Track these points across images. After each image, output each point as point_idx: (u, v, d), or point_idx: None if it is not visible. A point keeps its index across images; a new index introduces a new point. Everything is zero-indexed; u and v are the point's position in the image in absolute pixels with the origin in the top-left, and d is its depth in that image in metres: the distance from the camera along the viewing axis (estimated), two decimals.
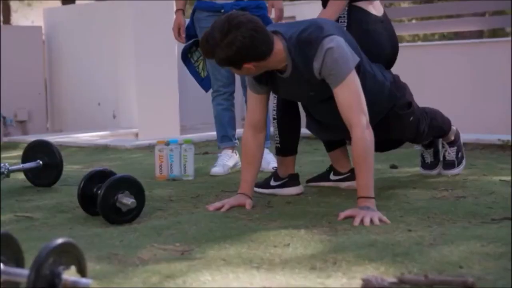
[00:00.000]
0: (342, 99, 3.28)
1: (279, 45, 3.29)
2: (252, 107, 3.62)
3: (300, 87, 3.43)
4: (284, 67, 3.36)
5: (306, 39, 3.30)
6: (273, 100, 3.85)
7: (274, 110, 3.86)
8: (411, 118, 3.76)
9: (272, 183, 3.89)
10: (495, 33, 14.65)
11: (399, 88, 3.73)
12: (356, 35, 3.69)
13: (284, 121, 3.84)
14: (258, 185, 3.89)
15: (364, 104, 3.29)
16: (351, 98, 3.27)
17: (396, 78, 3.76)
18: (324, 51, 3.24)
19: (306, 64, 3.30)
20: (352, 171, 3.97)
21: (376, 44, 3.81)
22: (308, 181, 4.08)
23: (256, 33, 3.18)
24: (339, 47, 3.26)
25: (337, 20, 3.83)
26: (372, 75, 3.53)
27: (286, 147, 3.87)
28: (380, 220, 3.09)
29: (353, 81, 3.29)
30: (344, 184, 3.98)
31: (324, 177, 4.07)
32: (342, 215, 3.18)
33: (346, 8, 3.84)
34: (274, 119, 3.86)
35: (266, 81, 3.50)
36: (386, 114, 3.67)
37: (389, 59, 3.89)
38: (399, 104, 3.70)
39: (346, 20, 3.83)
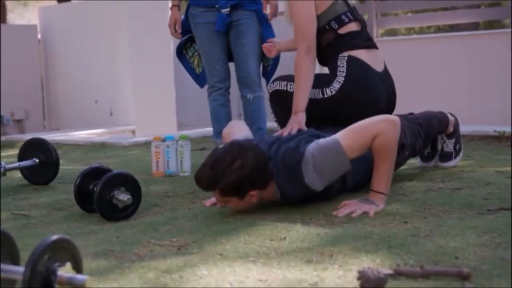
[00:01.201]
0: (359, 150, 3.20)
1: (271, 185, 3.23)
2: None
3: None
4: (275, 196, 3.30)
5: (289, 165, 3.21)
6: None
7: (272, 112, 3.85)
8: (406, 153, 3.75)
9: None
10: (490, 25, 14.64)
11: None
12: (353, 92, 3.69)
13: (284, 122, 3.85)
14: None
15: (361, 125, 3.23)
16: (359, 140, 3.19)
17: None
18: (311, 165, 3.16)
19: (297, 187, 3.22)
20: None
21: (373, 100, 3.77)
22: None
23: (263, 156, 3.16)
24: (316, 147, 3.19)
25: (334, 71, 3.78)
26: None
27: None
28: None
29: (344, 136, 3.20)
30: None
31: None
32: (341, 208, 3.19)
33: (345, 58, 3.77)
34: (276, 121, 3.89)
35: None
36: None
37: (385, 110, 3.85)
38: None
39: (345, 72, 3.75)
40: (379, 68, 3.85)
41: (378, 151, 3.21)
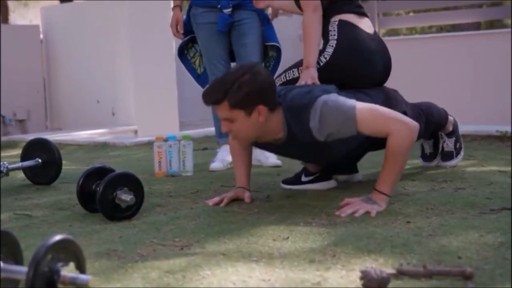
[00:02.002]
0: (369, 130, 3.22)
1: (278, 113, 3.25)
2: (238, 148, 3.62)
3: (295, 149, 3.40)
4: (278, 139, 3.32)
5: (300, 104, 3.23)
6: None
7: None
8: None
9: (303, 178, 3.82)
10: (492, 24, 14.62)
11: (391, 104, 3.61)
12: (347, 54, 3.66)
13: None
14: (288, 182, 3.86)
15: (385, 111, 3.23)
16: (374, 122, 3.20)
17: (386, 94, 3.71)
18: (319, 112, 3.17)
19: (302, 128, 3.23)
20: (322, 171, 3.89)
21: (368, 64, 3.73)
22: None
23: (272, 79, 3.20)
24: (331, 100, 3.20)
25: (326, 36, 3.75)
26: None
27: None
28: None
29: (363, 109, 3.20)
30: (342, 178, 3.96)
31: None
32: (342, 206, 3.19)
33: (336, 22, 3.74)
34: None
35: (257, 145, 3.53)
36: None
37: (381, 79, 3.83)
38: None
39: (336, 35, 3.70)
40: (369, 31, 3.82)
41: (389, 152, 3.19)
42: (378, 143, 3.40)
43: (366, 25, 3.81)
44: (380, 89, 3.75)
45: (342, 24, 3.73)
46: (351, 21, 3.75)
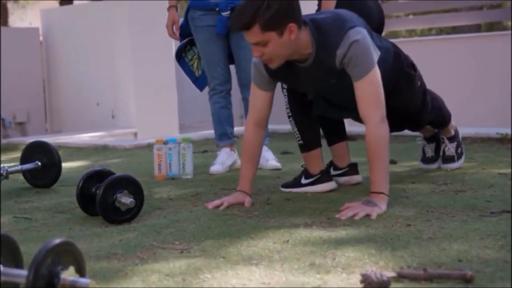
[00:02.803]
0: (361, 93, 3.29)
1: (304, 29, 3.28)
2: (257, 104, 3.58)
3: (321, 76, 3.41)
4: (308, 55, 3.33)
5: (332, 27, 3.29)
6: (283, 98, 3.83)
7: (287, 107, 3.82)
8: (419, 83, 3.77)
9: (303, 181, 3.82)
10: (491, 26, 14.62)
11: (400, 51, 3.73)
12: (345, 5, 3.72)
13: (300, 115, 3.79)
14: (287, 185, 3.86)
15: (382, 98, 3.30)
16: (370, 94, 3.28)
17: (393, 44, 3.76)
18: (350, 42, 3.23)
19: (329, 51, 3.28)
20: (350, 166, 3.97)
21: (366, 10, 3.84)
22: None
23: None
24: (365, 41, 3.26)
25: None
26: (379, 47, 3.49)
27: (309, 141, 3.81)
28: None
29: (375, 76, 3.29)
30: (341, 179, 3.97)
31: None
32: (343, 210, 3.19)
33: None
34: (289, 116, 3.81)
35: (280, 76, 3.49)
36: (397, 75, 3.63)
37: (378, 24, 3.95)
38: (406, 63, 3.70)
39: None
40: None
41: (370, 149, 3.25)
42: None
43: None
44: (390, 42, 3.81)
45: None
46: None
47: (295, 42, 3.22)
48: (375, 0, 4.04)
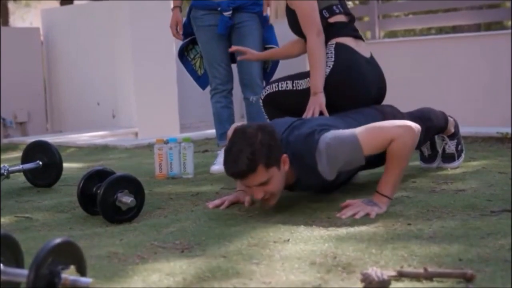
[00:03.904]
0: (375, 149, 3.24)
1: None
2: None
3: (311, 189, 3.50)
4: (291, 183, 3.35)
5: (302, 149, 3.24)
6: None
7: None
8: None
9: None
10: (490, 26, 14.60)
11: (395, 116, 3.69)
12: (343, 76, 3.74)
13: None
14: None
15: (382, 125, 3.26)
16: (376, 140, 3.22)
17: (382, 112, 3.72)
18: (325, 155, 3.18)
19: (312, 173, 3.25)
20: None
21: (362, 87, 3.80)
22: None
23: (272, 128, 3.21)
24: (333, 137, 3.21)
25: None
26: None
27: None
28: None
29: (363, 133, 3.22)
30: None
31: None
32: (343, 208, 3.20)
33: (333, 45, 3.80)
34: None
35: None
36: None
37: (376, 100, 3.90)
38: None
39: (333, 57, 3.77)
40: (366, 54, 3.89)
41: (391, 154, 3.21)
42: (372, 161, 3.47)
43: (362, 48, 3.89)
44: (376, 108, 3.79)
45: (339, 47, 3.81)
46: (348, 44, 3.83)
47: (288, 167, 3.21)
48: (380, 73, 3.95)
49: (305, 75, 3.90)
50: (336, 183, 3.47)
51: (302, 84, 3.86)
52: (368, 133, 3.23)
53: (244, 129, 3.15)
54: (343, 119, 3.50)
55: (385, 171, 3.26)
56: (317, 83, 3.73)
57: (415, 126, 3.25)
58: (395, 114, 3.75)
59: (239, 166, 3.05)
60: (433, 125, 4.04)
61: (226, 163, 3.11)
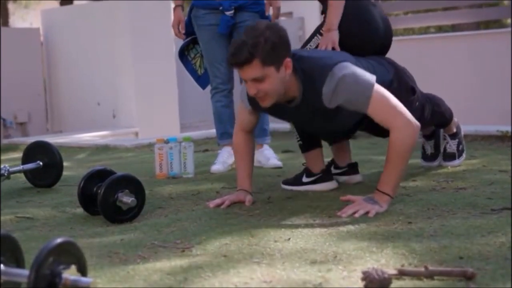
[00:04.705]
0: (378, 116, 3.23)
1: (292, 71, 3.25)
2: (245, 120, 3.58)
3: (308, 115, 3.39)
4: (296, 93, 3.30)
5: (314, 66, 3.25)
6: None
7: None
8: (416, 103, 3.75)
9: (305, 179, 3.83)
10: (488, 24, 14.60)
11: (400, 76, 3.71)
12: (349, 21, 3.72)
13: None
14: (288, 183, 3.87)
15: (395, 103, 3.23)
16: (384, 109, 3.22)
17: (395, 66, 3.76)
18: (336, 80, 3.18)
19: (315, 91, 3.23)
20: (350, 166, 3.98)
21: (371, 30, 3.80)
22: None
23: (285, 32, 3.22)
24: (352, 73, 3.21)
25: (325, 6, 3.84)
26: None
27: (308, 142, 3.83)
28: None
29: (379, 93, 3.22)
30: (341, 179, 3.97)
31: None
32: (345, 202, 3.20)
33: None
34: None
35: (268, 111, 3.50)
36: None
37: (384, 44, 3.90)
38: (404, 90, 3.66)
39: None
40: None
41: (393, 152, 3.19)
42: (373, 126, 3.44)
43: None
44: (392, 62, 3.80)
45: None
46: None
47: (287, 79, 3.20)
48: (385, 17, 3.96)
49: (310, 38, 3.91)
50: (337, 124, 3.44)
51: (313, 42, 3.87)
52: (383, 97, 3.22)
53: (254, 25, 3.20)
54: (361, 61, 3.49)
55: (385, 169, 3.25)
56: (332, 20, 3.72)
57: (418, 125, 3.23)
58: (407, 74, 3.77)
59: (237, 56, 3.12)
60: (439, 111, 4.02)
61: (229, 52, 3.19)
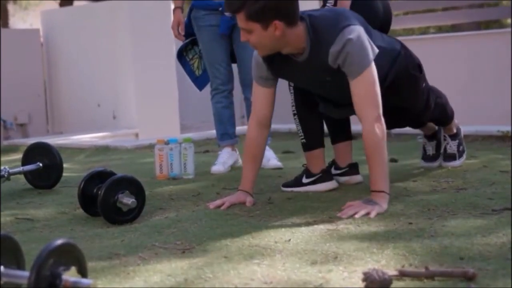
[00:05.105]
0: (357, 91, 3.29)
1: (300, 24, 3.28)
2: (259, 102, 3.58)
3: (315, 72, 3.41)
4: (302, 50, 3.34)
5: (327, 25, 3.29)
6: (290, 96, 3.84)
7: (292, 105, 3.83)
8: (423, 84, 3.77)
9: (304, 180, 3.83)
10: (488, 24, 14.59)
11: (407, 51, 3.74)
12: (350, 7, 3.75)
13: (305, 114, 3.81)
14: (289, 185, 3.86)
15: (378, 97, 3.29)
16: (366, 92, 3.27)
17: (401, 43, 3.77)
18: (344, 41, 3.23)
19: (323, 49, 3.28)
20: (350, 166, 3.98)
21: (369, 8, 3.84)
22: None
23: None
24: (360, 39, 3.25)
25: None
26: (383, 48, 3.50)
27: (312, 141, 3.83)
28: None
29: (371, 74, 3.28)
30: (342, 179, 3.97)
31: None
32: (344, 209, 3.19)
33: None
34: (294, 114, 3.83)
35: (278, 69, 3.48)
36: (399, 75, 3.62)
37: (384, 23, 3.93)
38: (411, 64, 3.70)
39: None
40: None
41: (369, 148, 3.25)
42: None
43: None
44: (397, 40, 3.81)
45: None
46: None
47: (282, 38, 3.24)
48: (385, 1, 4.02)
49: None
50: (330, 93, 3.54)
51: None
52: (370, 81, 3.27)
53: None
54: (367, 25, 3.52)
55: (370, 168, 3.28)
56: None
57: (384, 127, 3.29)
58: (412, 54, 3.79)
59: (228, 4, 3.27)
60: (442, 102, 4.03)
61: None
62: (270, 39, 3.24)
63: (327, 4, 3.98)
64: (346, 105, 3.60)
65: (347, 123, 4.01)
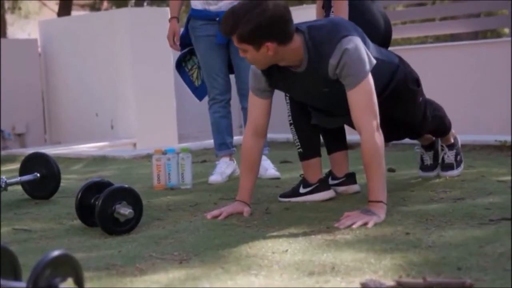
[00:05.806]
0: (355, 102, 3.30)
1: (298, 38, 3.30)
2: (255, 112, 3.59)
3: (313, 83, 3.42)
4: (299, 62, 3.36)
5: (325, 36, 3.31)
6: (286, 106, 3.85)
7: (289, 115, 3.84)
8: (421, 98, 3.79)
9: (302, 190, 3.82)
10: (485, 34, 14.62)
11: (405, 64, 3.76)
12: (350, 15, 3.75)
13: (301, 124, 3.81)
14: (286, 195, 3.86)
15: (375, 107, 3.30)
16: (363, 102, 3.28)
17: (399, 56, 3.79)
18: (342, 51, 3.25)
19: (322, 60, 3.30)
20: (347, 176, 3.97)
21: (371, 25, 3.86)
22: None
23: (286, 11, 3.24)
24: (357, 49, 3.27)
25: (329, 2, 3.90)
26: (381, 61, 3.52)
27: (309, 150, 3.82)
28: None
29: (368, 85, 3.29)
30: (339, 189, 3.96)
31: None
32: (342, 219, 3.19)
33: None
34: (290, 124, 3.83)
35: (276, 81, 3.49)
36: (398, 88, 3.64)
37: (384, 38, 3.96)
38: (410, 78, 3.72)
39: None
40: None
41: (367, 158, 3.26)
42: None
43: None
44: (395, 54, 3.83)
45: None
46: None
47: (275, 55, 3.27)
48: (384, 13, 4.05)
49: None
50: (327, 103, 3.56)
51: None
52: (368, 92, 3.28)
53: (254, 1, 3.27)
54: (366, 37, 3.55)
55: (367, 178, 3.29)
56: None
57: (382, 138, 3.30)
58: (411, 67, 3.81)
59: (223, 25, 3.29)
60: (439, 115, 4.05)
61: (229, 12, 3.30)
62: (264, 58, 3.29)
63: (331, 14, 3.98)
64: (338, 115, 3.62)
65: (343, 133, 4.01)
